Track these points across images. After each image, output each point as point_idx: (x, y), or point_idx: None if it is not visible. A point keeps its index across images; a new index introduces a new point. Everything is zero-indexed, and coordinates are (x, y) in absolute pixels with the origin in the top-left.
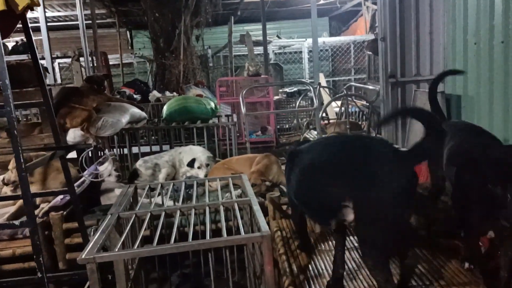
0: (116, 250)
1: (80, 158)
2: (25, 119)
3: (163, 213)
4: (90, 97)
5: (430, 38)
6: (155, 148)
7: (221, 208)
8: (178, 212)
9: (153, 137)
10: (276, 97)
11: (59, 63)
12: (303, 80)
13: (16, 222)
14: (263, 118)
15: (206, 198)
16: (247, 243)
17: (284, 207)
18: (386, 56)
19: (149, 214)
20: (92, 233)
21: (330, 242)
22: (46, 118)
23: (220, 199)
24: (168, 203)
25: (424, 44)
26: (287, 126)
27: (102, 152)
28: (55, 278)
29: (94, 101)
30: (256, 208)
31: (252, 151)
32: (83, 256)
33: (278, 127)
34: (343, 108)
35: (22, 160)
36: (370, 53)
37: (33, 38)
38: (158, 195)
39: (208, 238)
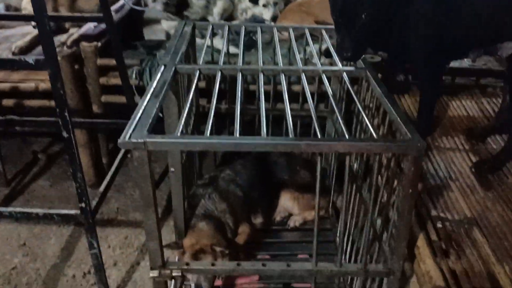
0: (178, 134)
1: None
2: None
3: (239, 74)
4: None
5: None
6: None
7: (303, 76)
8: (239, 74)
9: None
10: None
11: None
12: None
13: (30, 60)
14: None
15: (279, 60)
16: (381, 152)
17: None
18: None
19: (219, 73)
20: (134, 76)
21: None
22: None
23: (299, 64)
24: (231, 49)
25: None
26: None
27: None
28: (89, 124)
29: None
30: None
31: None
32: (127, 138)
33: None
34: None
35: None
36: None
37: None
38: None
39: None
